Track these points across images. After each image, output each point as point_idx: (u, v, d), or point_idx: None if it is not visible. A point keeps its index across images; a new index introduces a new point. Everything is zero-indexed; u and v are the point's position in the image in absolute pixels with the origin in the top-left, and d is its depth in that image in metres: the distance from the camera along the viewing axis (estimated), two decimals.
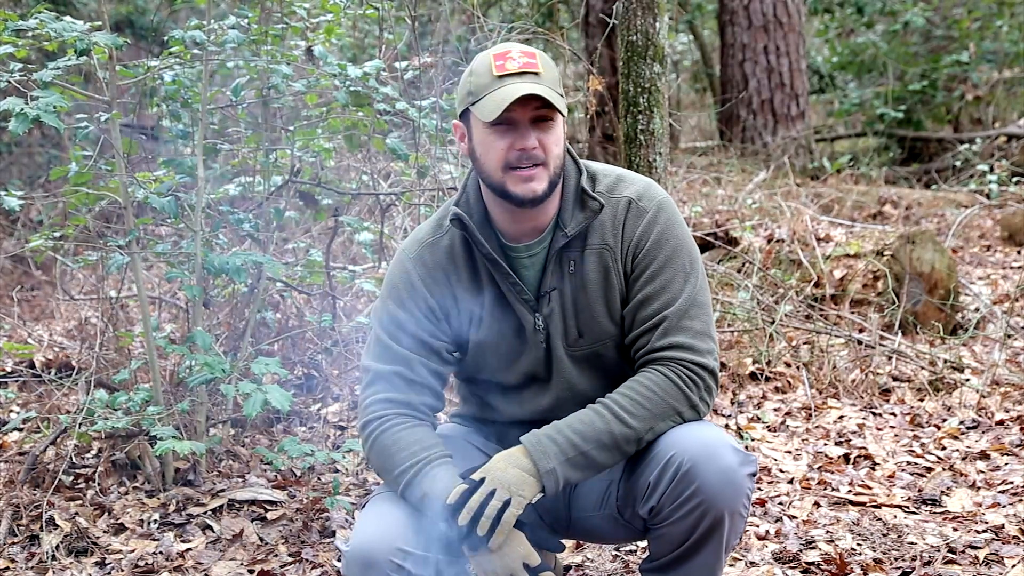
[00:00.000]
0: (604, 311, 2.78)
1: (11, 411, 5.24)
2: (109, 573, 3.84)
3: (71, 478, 4.47)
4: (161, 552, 3.96)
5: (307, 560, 3.87)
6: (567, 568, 3.73)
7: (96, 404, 4.33)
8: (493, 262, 2.76)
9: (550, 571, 2.59)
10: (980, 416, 5.20)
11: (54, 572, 3.80)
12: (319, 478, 4.70)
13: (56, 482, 4.27)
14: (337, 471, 4.76)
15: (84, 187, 4.39)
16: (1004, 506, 4.17)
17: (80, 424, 4.27)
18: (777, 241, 7.35)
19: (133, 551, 3.98)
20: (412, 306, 2.81)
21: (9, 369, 5.76)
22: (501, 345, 2.83)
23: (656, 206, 2.77)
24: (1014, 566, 3.60)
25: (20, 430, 4.93)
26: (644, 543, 2.82)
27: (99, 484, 4.41)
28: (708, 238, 7.32)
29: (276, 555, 3.96)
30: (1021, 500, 4.20)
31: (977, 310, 6.81)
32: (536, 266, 2.81)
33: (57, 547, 3.95)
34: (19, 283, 7.95)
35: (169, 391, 4.63)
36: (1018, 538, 3.83)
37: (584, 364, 2.82)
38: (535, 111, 2.63)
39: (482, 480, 2.58)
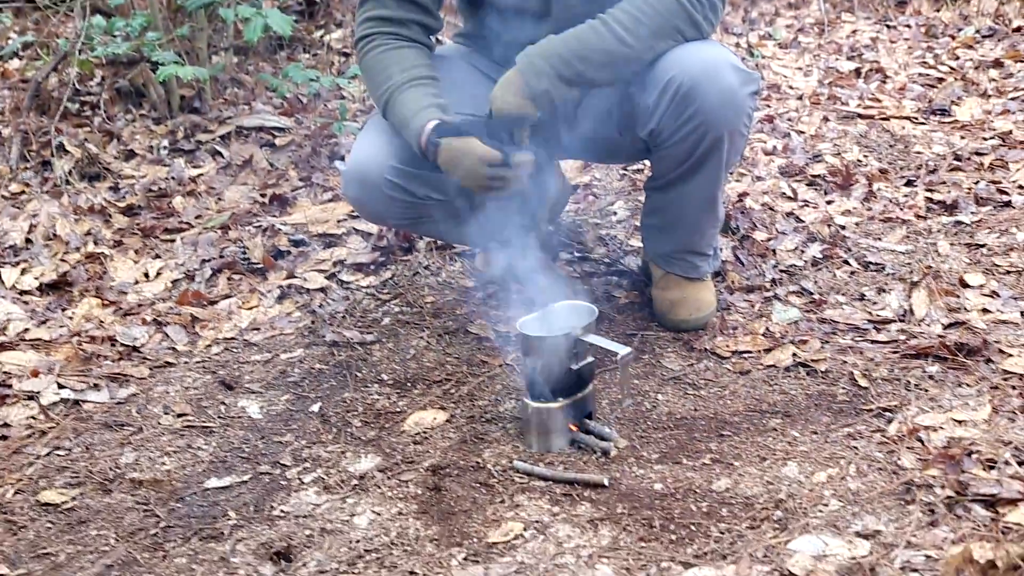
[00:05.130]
0: None
1: (8, 38, 5.15)
2: (123, 197, 3.90)
3: (76, 105, 4.46)
4: (173, 177, 4.00)
5: (318, 184, 3.91)
6: (576, 187, 3.76)
7: (94, 30, 4.25)
8: None
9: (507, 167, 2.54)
10: (997, 24, 5.08)
11: (69, 196, 3.86)
12: (325, 105, 4.68)
13: (62, 109, 4.26)
14: (343, 97, 4.74)
15: None
16: (1013, 112, 4.15)
17: (80, 51, 4.21)
18: None
19: (145, 176, 4.03)
20: None
21: None
22: None
23: None
24: (1019, 170, 3.62)
25: (20, 57, 4.87)
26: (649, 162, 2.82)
27: (105, 111, 4.41)
28: None
29: (287, 180, 4.00)
30: None
31: None
32: None
33: (70, 172, 4.00)
34: None
35: (168, 17, 4.53)
36: None
37: None
38: None
39: (490, 113, 2.55)
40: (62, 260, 3.44)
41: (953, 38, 5.01)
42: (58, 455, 2.47)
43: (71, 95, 4.40)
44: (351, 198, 2.75)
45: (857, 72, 4.78)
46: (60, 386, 2.73)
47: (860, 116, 4.28)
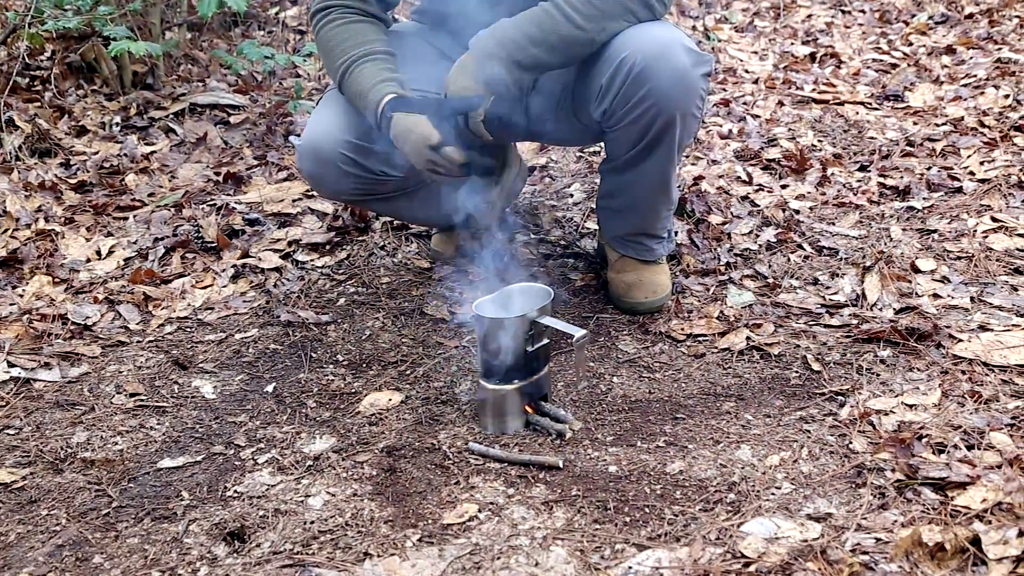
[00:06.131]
0: None
1: None
2: (75, 173, 3.85)
3: (26, 80, 4.39)
4: (126, 154, 3.95)
5: (272, 163, 3.88)
6: (532, 169, 3.76)
7: (45, 3, 4.18)
8: None
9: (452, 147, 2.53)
10: (950, 10, 5.13)
11: (19, 172, 3.81)
12: (280, 83, 4.64)
13: (11, 83, 4.19)
14: (299, 75, 4.70)
15: None
16: (965, 99, 4.20)
17: (30, 24, 4.14)
18: None
19: (97, 152, 3.98)
20: None
21: None
22: None
23: None
24: (970, 156, 3.66)
25: None
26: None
27: (56, 86, 4.34)
28: None
29: (241, 158, 3.96)
30: (982, 93, 4.22)
31: None
32: None
33: (20, 147, 3.94)
34: None
35: None
36: (976, 129, 3.87)
37: None
38: None
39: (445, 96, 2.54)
40: (12, 237, 3.39)
41: (906, 24, 5.06)
42: (8, 434, 2.44)
43: (20, 69, 4.33)
44: (305, 172, 2.73)
45: (812, 57, 4.81)
46: (10, 364, 2.69)
47: (815, 101, 4.31)
